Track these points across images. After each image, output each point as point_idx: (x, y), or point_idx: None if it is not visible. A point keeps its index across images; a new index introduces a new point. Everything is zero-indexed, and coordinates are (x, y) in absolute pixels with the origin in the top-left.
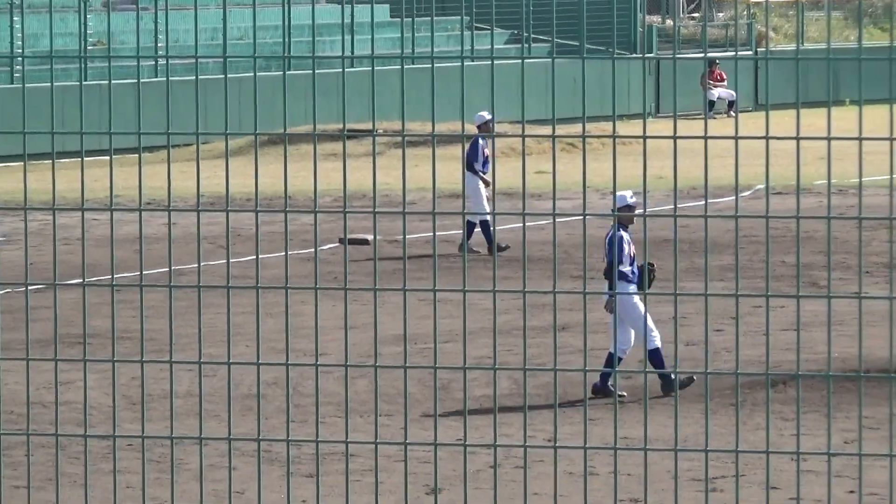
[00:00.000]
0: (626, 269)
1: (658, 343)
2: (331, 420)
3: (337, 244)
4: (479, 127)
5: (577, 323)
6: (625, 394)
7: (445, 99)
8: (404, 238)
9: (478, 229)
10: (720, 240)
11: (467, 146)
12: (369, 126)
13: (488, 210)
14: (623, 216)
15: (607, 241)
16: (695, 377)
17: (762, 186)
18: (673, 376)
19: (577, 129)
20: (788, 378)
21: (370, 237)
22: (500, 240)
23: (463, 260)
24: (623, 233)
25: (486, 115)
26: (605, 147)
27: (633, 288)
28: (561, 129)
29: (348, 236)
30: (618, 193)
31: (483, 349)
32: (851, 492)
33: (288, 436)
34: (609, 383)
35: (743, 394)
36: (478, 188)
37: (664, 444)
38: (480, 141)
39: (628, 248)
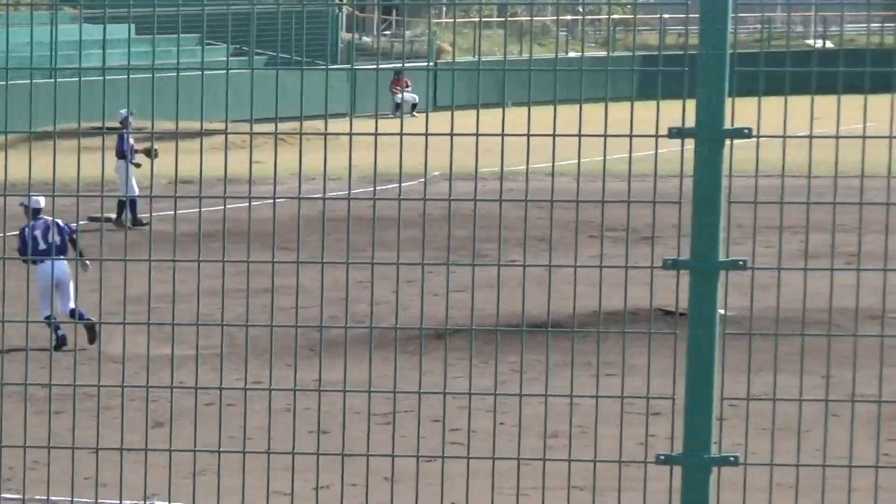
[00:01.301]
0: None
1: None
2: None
3: (86, 221)
4: (120, 123)
5: (291, 286)
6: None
7: (182, 101)
8: (150, 217)
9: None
10: (408, 218)
11: (115, 140)
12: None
13: (135, 191)
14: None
15: (38, 231)
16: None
17: (438, 173)
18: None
19: (294, 126)
20: (462, 330)
21: (113, 216)
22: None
23: (198, 236)
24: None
25: (125, 112)
26: (315, 140)
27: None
28: (280, 127)
29: (92, 216)
30: (32, 197)
31: (208, 307)
32: (502, 423)
33: None
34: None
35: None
36: (128, 173)
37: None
38: (126, 134)
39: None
